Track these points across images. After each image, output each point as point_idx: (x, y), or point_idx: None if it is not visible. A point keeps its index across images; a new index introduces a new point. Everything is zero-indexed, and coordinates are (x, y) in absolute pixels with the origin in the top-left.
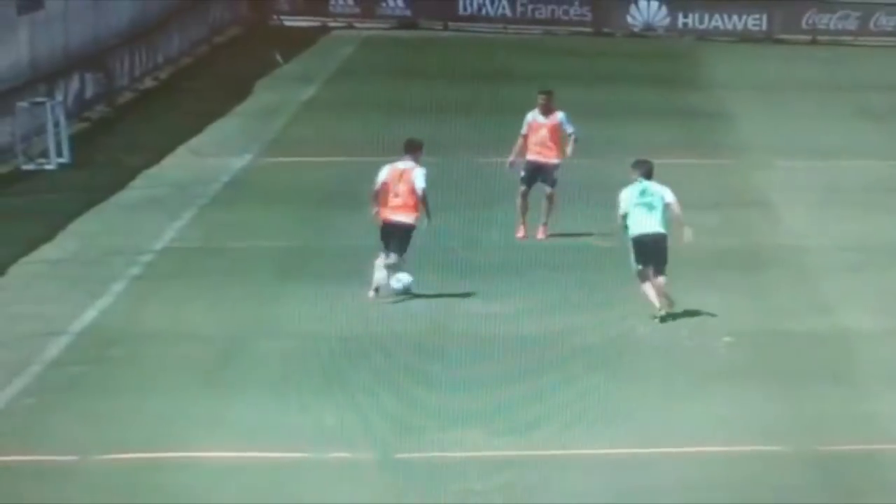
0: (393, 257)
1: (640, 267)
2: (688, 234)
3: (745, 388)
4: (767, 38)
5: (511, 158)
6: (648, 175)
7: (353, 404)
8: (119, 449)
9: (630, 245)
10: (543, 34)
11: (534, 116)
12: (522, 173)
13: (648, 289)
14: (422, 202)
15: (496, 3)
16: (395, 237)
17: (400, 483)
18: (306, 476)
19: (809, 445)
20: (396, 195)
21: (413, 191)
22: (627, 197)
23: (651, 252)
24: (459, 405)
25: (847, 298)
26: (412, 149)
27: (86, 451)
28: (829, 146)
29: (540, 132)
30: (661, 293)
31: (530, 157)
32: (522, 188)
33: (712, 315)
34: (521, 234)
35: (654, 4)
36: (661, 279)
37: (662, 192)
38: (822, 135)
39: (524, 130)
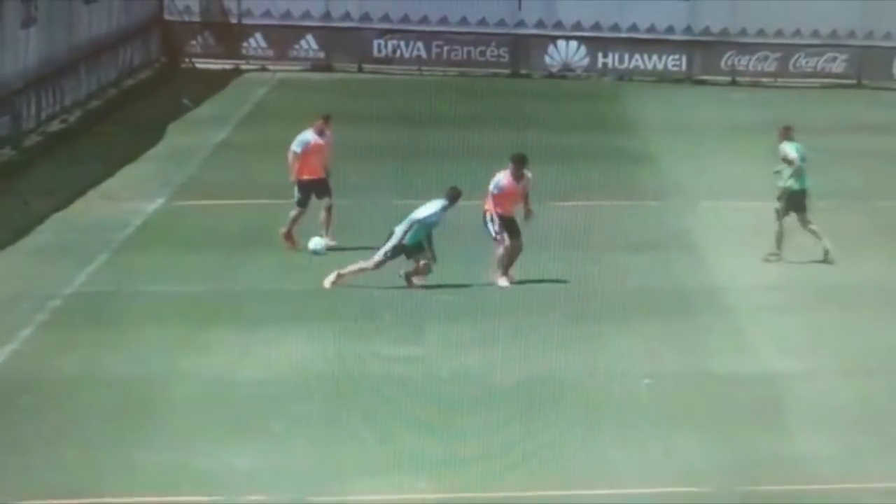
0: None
1: None
2: None
3: (668, 429)
4: (687, 79)
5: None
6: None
7: (268, 448)
8: (29, 497)
9: None
10: (459, 75)
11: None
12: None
13: None
14: None
15: (411, 45)
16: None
17: None
18: None
19: (734, 487)
20: None
21: None
22: None
23: None
24: (377, 448)
25: (771, 339)
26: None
27: None
28: (752, 188)
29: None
30: None
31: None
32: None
33: (634, 357)
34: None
35: (573, 44)
36: None
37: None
38: (745, 176)
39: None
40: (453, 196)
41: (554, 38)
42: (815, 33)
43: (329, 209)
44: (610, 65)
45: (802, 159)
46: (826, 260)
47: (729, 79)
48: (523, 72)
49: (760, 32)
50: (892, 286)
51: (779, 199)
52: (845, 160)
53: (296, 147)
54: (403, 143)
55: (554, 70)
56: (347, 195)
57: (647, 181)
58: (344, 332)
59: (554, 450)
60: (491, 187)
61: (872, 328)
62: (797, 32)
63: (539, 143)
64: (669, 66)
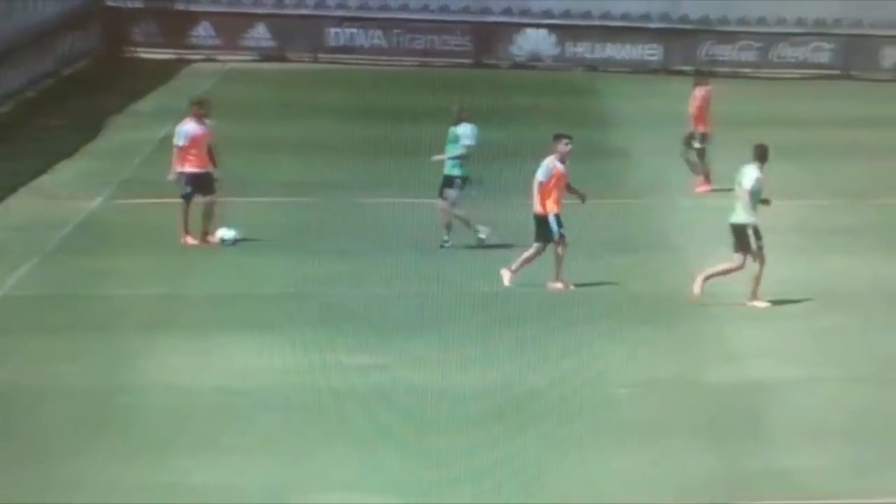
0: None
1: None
2: None
3: (654, 440)
4: (664, 70)
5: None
6: None
7: (228, 461)
8: None
9: None
10: (421, 66)
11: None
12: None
13: None
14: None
15: (369, 34)
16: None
17: None
18: None
19: (727, 501)
20: None
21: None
22: None
23: None
24: (337, 463)
25: (756, 347)
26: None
27: None
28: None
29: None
30: None
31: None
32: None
33: (615, 364)
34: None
35: (542, 33)
36: None
37: None
38: (727, 172)
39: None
40: (762, 154)
41: (522, 27)
42: (800, 21)
43: (212, 205)
44: (581, 55)
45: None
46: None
47: (707, 69)
48: (489, 62)
49: (742, 21)
50: (890, 289)
51: None
52: (833, 154)
53: (177, 140)
54: (361, 137)
55: (521, 60)
56: (312, 193)
57: (625, 177)
58: (303, 339)
59: (526, 460)
60: (540, 176)
61: (873, 334)
62: (781, 21)
63: (508, 138)
64: (645, 56)
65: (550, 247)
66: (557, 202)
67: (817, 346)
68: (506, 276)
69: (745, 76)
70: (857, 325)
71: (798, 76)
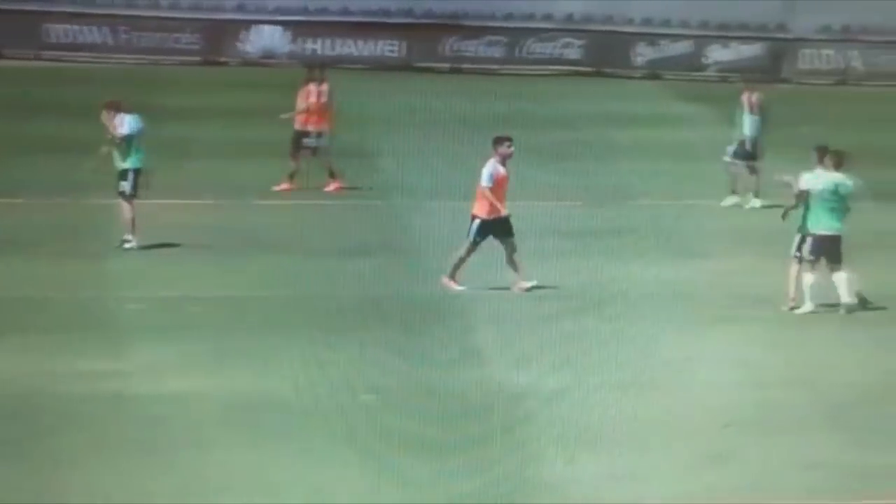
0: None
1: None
2: None
3: (393, 452)
4: (405, 66)
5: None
6: None
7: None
8: None
9: None
10: (150, 64)
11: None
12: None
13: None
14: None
15: (94, 31)
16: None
17: None
18: None
19: None
20: None
21: None
22: None
23: None
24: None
25: (513, 350)
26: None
27: None
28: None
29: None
30: None
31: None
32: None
33: (357, 370)
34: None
35: (276, 29)
36: None
37: None
38: (472, 173)
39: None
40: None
41: (254, 23)
42: (549, 17)
43: None
44: (319, 51)
45: None
46: None
47: (451, 66)
48: (221, 59)
49: (489, 16)
50: (655, 291)
51: None
52: (587, 154)
53: None
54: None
55: (253, 58)
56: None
57: (364, 179)
58: (33, 345)
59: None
60: (484, 181)
61: (630, 338)
62: (529, 16)
63: (234, 138)
64: (385, 52)
65: (512, 245)
66: (495, 206)
67: (577, 351)
68: (518, 286)
69: (493, 73)
70: (630, 329)
71: (548, 73)
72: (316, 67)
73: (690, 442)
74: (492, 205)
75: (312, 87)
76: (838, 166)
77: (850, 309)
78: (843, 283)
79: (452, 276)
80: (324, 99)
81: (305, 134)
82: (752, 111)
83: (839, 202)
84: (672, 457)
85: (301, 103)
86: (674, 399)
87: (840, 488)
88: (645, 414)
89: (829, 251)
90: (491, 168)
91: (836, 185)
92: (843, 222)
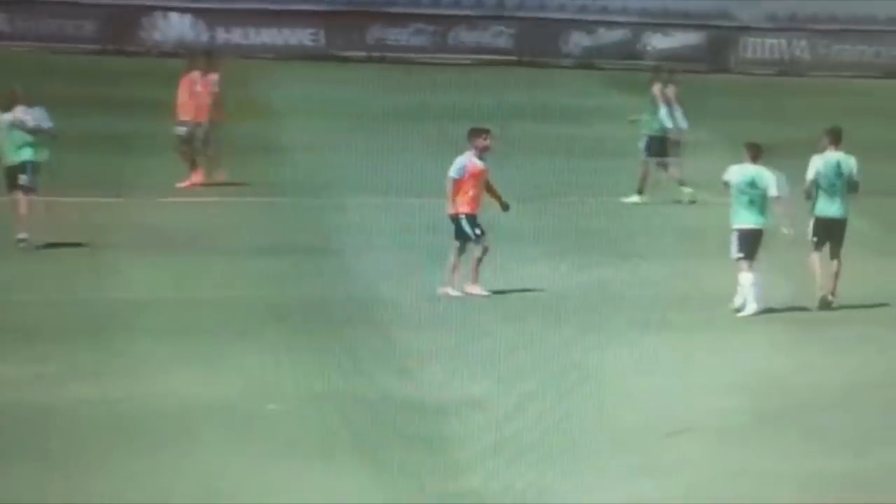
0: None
1: None
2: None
3: (293, 460)
4: (326, 56)
5: None
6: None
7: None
8: None
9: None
10: (51, 52)
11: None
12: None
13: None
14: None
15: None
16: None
17: None
18: None
19: None
20: None
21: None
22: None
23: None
24: None
25: (428, 355)
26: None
27: None
28: (404, 182)
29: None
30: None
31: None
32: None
33: (264, 376)
34: None
35: (186, 17)
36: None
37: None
38: (397, 169)
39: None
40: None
41: (162, 10)
42: (479, 4)
43: None
44: (233, 40)
45: None
46: None
47: (375, 55)
48: (128, 49)
49: (415, 2)
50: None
51: None
52: (515, 150)
53: None
54: None
55: (166, 48)
56: None
57: (280, 174)
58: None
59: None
60: (452, 172)
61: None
62: (457, 3)
63: (144, 132)
64: (305, 42)
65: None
66: (473, 201)
67: (503, 358)
68: (474, 289)
69: (420, 62)
70: (537, 332)
71: (477, 62)
72: (200, 56)
73: (627, 451)
74: (473, 198)
75: (196, 75)
76: (755, 159)
77: (739, 311)
78: (747, 285)
79: (475, 280)
80: (213, 89)
81: (183, 125)
82: (667, 104)
83: (759, 196)
84: (608, 467)
85: (183, 94)
86: (612, 407)
87: (787, 496)
88: (578, 424)
89: (751, 246)
90: (464, 160)
91: (753, 179)
92: (764, 216)
